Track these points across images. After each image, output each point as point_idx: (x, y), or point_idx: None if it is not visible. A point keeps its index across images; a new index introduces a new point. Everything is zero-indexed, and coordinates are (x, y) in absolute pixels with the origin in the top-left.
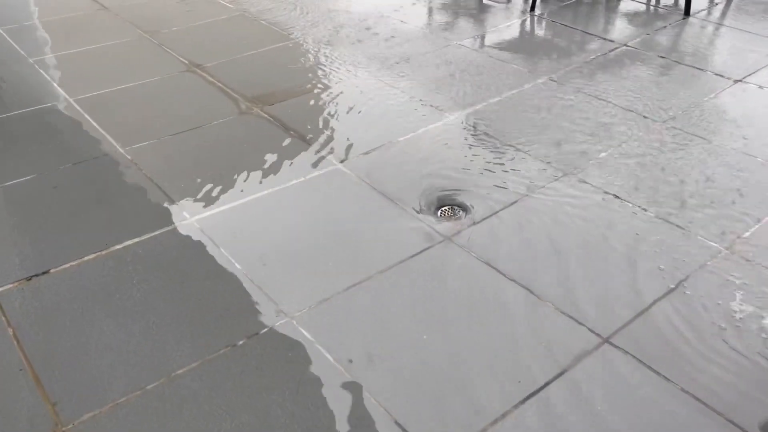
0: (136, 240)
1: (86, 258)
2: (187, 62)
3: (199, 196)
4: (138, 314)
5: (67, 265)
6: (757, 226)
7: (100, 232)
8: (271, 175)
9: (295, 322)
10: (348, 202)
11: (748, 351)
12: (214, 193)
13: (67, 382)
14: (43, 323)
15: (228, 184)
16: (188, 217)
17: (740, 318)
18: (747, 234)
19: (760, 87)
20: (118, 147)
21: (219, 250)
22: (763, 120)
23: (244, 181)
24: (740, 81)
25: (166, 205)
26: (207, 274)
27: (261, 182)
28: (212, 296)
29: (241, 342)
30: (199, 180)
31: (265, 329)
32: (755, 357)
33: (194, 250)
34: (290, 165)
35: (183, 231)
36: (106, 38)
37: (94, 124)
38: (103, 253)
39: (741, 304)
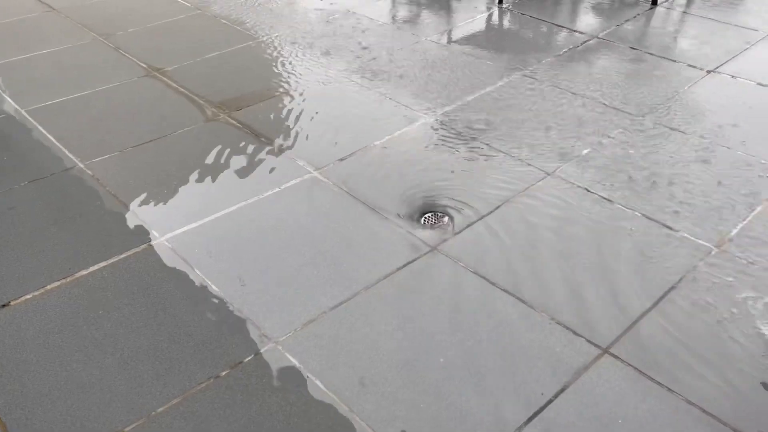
0: (103, 264)
1: (49, 287)
2: (146, 66)
3: (168, 213)
4: (110, 347)
5: (29, 296)
6: (744, 222)
7: (63, 258)
8: (245, 187)
9: (280, 348)
10: (327, 213)
11: (749, 354)
12: (185, 209)
13: (35, 429)
14: (5, 362)
15: (199, 199)
16: (158, 236)
17: (738, 318)
18: (735, 231)
19: (733, 77)
20: (77, 162)
21: (194, 271)
22: (739, 111)
23: (216, 194)
24: (713, 71)
25: (133, 224)
26: (183, 298)
27: (234, 195)
28: (190, 323)
29: (224, 372)
30: (167, 195)
31: (250, 357)
32: (757, 359)
33: (167, 272)
34: (264, 175)
35: (153, 252)
36: (57, 42)
37: (50, 137)
38: (68, 280)
39: (739, 303)
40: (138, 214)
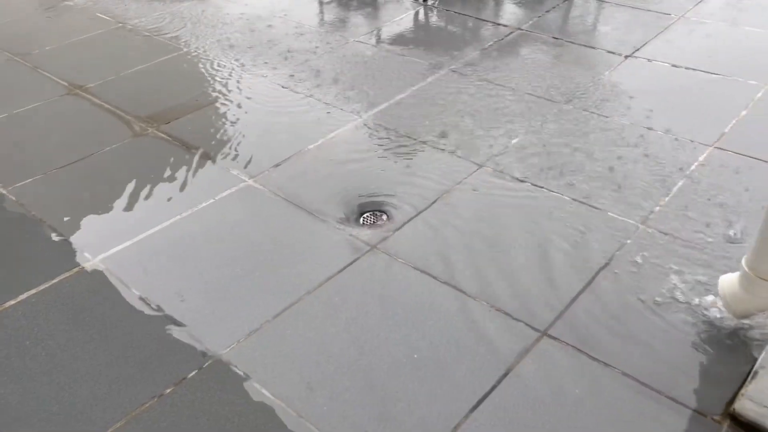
0: (34, 291)
1: None
2: (67, 84)
3: (100, 233)
4: (46, 376)
5: None
6: (667, 198)
7: None
8: (178, 200)
9: (225, 360)
10: (265, 221)
11: (678, 323)
12: (117, 228)
13: None
14: None
15: (131, 216)
16: (91, 258)
17: (664, 292)
18: (658, 208)
19: (649, 60)
20: None
21: (130, 291)
22: (658, 92)
23: (149, 210)
24: (630, 56)
25: (63, 247)
26: (120, 319)
27: (167, 209)
28: (129, 343)
29: (168, 390)
30: (97, 215)
31: (194, 372)
32: (684, 328)
33: (102, 294)
34: (197, 187)
35: (86, 274)
36: None
37: None
38: None
39: (665, 278)
40: (68, 237)
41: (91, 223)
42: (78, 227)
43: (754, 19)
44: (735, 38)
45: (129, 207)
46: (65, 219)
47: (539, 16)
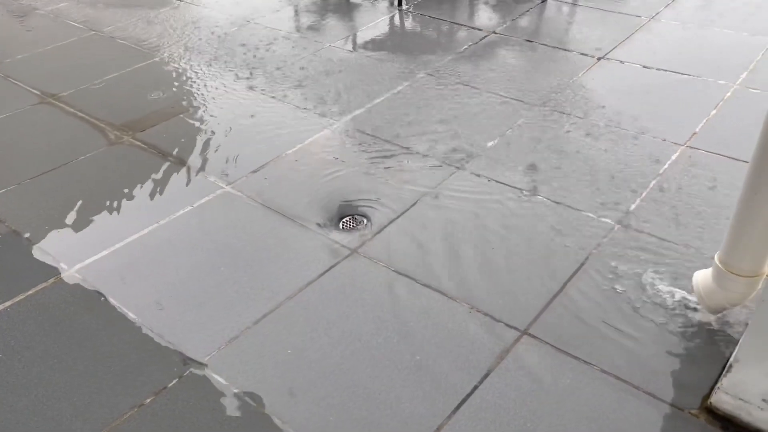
0: (9, 303)
1: None
2: (39, 93)
3: (75, 243)
4: (23, 388)
5: None
6: (641, 196)
7: None
8: (155, 208)
9: (205, 368)
10: (243, 227)
11: (655, 319)
12: (94, 237)
13: None
14: None
15: (107, 225)
16: (67, 269)
17: (642, 288)
18: (633, 206)
19: (621, 62)
20: None
21: (108, 300)
22: (630, 93)
23: (126, 218)
24: (603, 58)
25: (38, 258)
26: (98, 329)
27: (144, 217)
28: (108, 354)
29: (149, 400)
30: (73, 225)
31: (174, 381)
32: (661, 324)
33: (79, 304)
34: (174, 194)
35: (63, 285)
36: None
37: None
38: None
39: (641, 275)
40: (43, 247)
41: (66, 232)
42: (54, 237)
43: (723, 20)
44: (704, 39)
45: (105, 216)
46: (40, 229)
47: (513, 20)
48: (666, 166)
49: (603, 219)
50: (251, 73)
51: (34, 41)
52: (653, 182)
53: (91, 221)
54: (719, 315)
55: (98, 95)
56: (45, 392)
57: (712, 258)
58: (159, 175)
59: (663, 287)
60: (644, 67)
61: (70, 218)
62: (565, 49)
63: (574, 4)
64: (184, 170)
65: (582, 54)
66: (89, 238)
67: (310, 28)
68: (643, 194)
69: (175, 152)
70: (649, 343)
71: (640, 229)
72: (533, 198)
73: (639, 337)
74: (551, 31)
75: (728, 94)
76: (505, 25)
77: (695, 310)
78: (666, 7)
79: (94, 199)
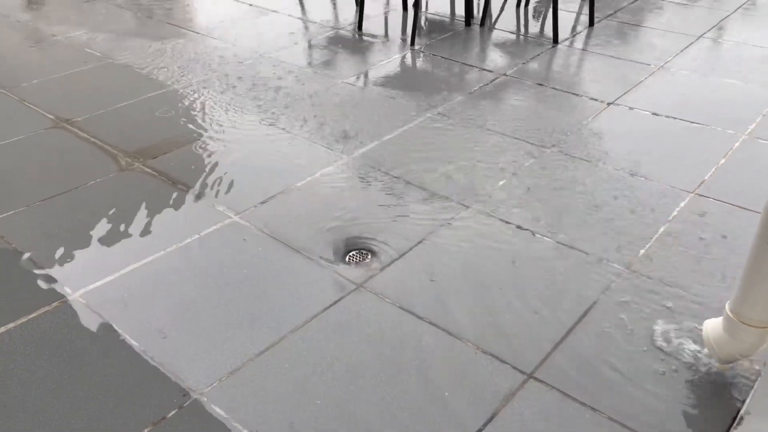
0: (11, 326)
1: None
2: (53, 118)
3: (81, 267)
4: (21, 411)
5: None
6: (650, 243)
7: None
8: (162, 235)
9: (206, 399)
10: (250, 258)
11: (664, 368)
12: (100, 262)
13: None
14: None
15: (113, 250)
16: (71, 293)
17: (651, 336)
18: (642, 252)
19: (631, 108)
20: None
21: (110, 326)
22: (639, 139)
23: (132, 245)
24: (612, 104)
25: (44, 281)
26: (99, 355)
27: (151, 244)
28: (108, 381)
29: (146, 430)
30: (80, 249)
31: (173, 412)
32: (670, 373)
33: (81, 329)
34: (182, 222)
35: (67, 308)
36: None
37: None
38: None
39: (650, 323)
40: (49, 270)
41: (72, 256)
42: (59, 261)
43: (732, 71)
44: (712, 88)
45: (112, 241)
46: (46, 252)
47: (524, 63)
48: (675, 213)
49: (611, 264)
50: (262, 106)
51: (50, 67)
52: (662, 228)
53: (98, 246)
54: (730, 365)
55: (111, 122)
56: (43, 416)
57: (723, 307)
58: (167, 203)
59: (672, 335)
60: (653, 113)
61: (77, 242)
62: (575, 94)
63: (584, 50)
64: (192, 199)
65: (592, 99)
66: (95, 263)
67: (323, 63)
68: (652, 241)
69: (184, 180)
70: (658, 392)
71: (649, 275)
72: (541, 240)
73: (648, 386)
74: (561, 76)
75: (737, 144)
76: (515, 68)
77: (705, 359)
78: (674, 56)
79: (101, 224)
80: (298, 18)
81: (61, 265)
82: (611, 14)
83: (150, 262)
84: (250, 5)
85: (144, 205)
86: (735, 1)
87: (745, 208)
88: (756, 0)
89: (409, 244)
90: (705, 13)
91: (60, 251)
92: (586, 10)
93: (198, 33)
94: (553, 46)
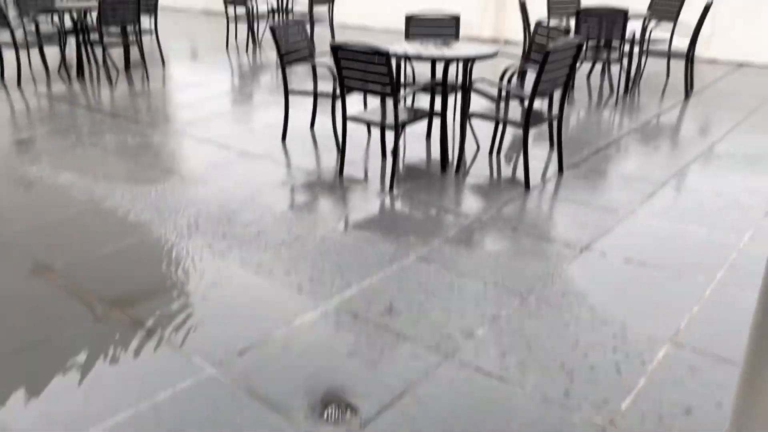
0: None
1: None
2: (32, 264)
3: (46, 426)
4: None
5: None
6: (630, 396)
7: None
8: (134, 392)
9: None
10: (227, 416)
11: None
12: (65, 420)
13: None
14: None
15: (81, 408)
16: None
17: None
18: (623, 406)
19: (603, 254)
20: None
21: None
22: (612, 287)
23: (102, 401)
24: (585, 249)
25: None
26: None
27: (122, 401)
28: None
29: None
30: (45, 407)
31: None
32: None
33: None
34: (156, 376)
35: None
36: None
37: None
38: None
39: None
40: (10, 428)
41: (37, 413)
42: (22, 418)
43: (696, 217)
44: (680, 235)
45: (80, 397)
46: (9, 409)
47: (498, 209)
48: (654, 363)
49: (592, 418)
50: (242, 252)
51: (33, 211)
52: (641, 381)
53: (64, 402)
54: None
55: (91, 268)
56: None
57: None
58: (142, 355)
59: None
60: (625, 260)
61: (42, 399)
62: (549, 240)
63: (554, 196)
64: (169, 350)
65: (565, 245)
66: (60, 421)
67: (305, 208)
68: (633, 393)
69: (162, 330)
70: None
71: (633, 429)
72: (520, 392)
73: None
74: (535, 221)
75: (707, 292)
76: (490, 213)
77: None
78: (641, 203)
79: (71, 379)
80: (283, 163)
81: (23, 421)
82: (579, 162)
83: (121, 422)
84: (237, 152)
85: (117, 356)
86: (694, 148)
87: (723, 358)
88: (714, 147)
89: (390, 397)
90: (666, 160)
91: (22, 407)
92: (554, 157)
93: (183, 177)
94: (526, 192)
